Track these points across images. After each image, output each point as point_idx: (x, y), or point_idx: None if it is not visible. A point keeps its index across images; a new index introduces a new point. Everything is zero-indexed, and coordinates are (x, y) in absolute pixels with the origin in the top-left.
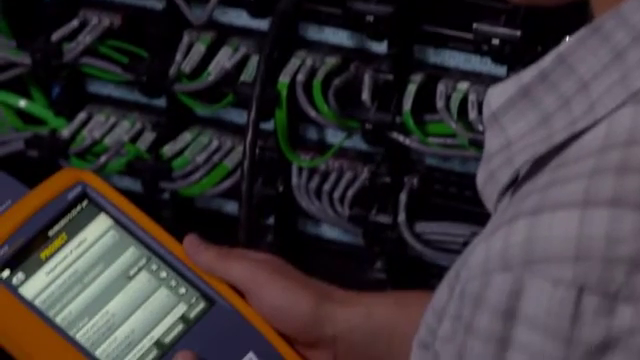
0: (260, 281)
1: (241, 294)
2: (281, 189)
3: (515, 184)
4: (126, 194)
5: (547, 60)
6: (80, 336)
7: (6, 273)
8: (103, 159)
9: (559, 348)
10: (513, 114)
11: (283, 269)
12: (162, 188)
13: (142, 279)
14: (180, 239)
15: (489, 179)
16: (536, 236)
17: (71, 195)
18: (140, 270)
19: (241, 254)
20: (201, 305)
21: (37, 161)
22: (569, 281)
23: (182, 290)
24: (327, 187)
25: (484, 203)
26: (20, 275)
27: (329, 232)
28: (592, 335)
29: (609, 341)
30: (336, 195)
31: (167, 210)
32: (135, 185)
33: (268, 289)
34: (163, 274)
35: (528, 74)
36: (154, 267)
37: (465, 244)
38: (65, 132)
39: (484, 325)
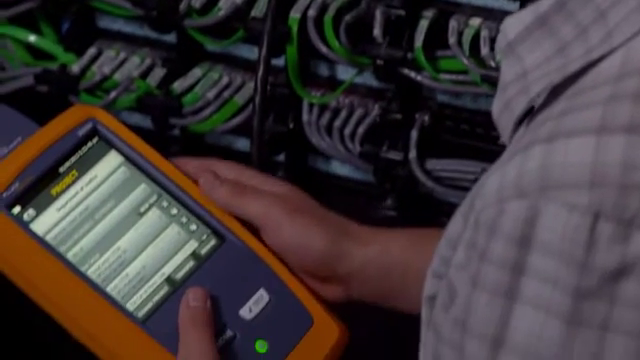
0: (276, 218)
1: (256, 230)
2: (292, 126)
3: (531, 114)
4: (136, 130)
5: None
6: (91, 272)
7: (17, 209)
8: (113, 95)
9: (573, 274)
10: (529, 43)
11: (300, 204)
12: (172, 124)
13: (153, 216)
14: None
15: (505, 109)
16: (551, 163)
17: (82, 132)
18: (151, 207)
19: (257, 189)
20: (212, 242)
21: (47, 96)
22: (584, 207)
23: (193, 227)
24: (338, 123)
25: (498, 134)
26: (31, 211)
27: (340, 169)
28: (607, 261)
29: (624, 267)
30: (347, 132)
31: (177, 146)
32: (145, 121)
33: (284, 227)
34: (174, 211)
35: (545, 3)
36: (165, 204)
37: (475, 181)
38: (75, 67)
39: (499, 252)
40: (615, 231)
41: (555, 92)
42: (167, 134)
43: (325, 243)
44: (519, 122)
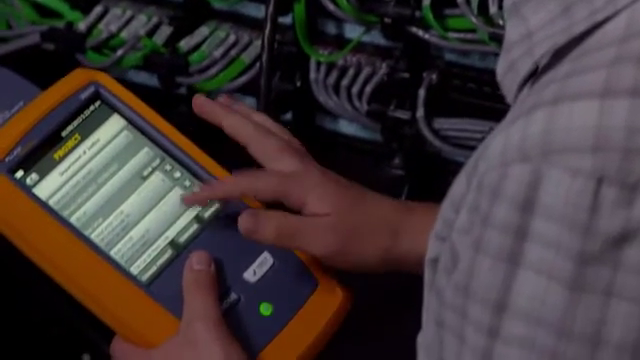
0: (333, 252)
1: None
2: (299, 84)
3: (535, 75)
4: (142, 89)
5: None
6: (95, 236)
7: (20, 174)
8: (119, 53)
9: (577, 239)
10: (534, 4)
11: (347, 226)
12: (179, 83)
13: (156, 179)
14: (196, 135)
15: (509, 69)
16: (555, 127)
17: (84, 95)
18: (154, 170)
19: (304, 221)
20: (215, 205)
21: (53, 55)
22: (588, 172)
23: (196, 190)
24: (345, 82)
25: (504, 94)
26: (34, 175)
27: (347, 128)
28: (610, 226)
29: (627, 232)
30: (354, 90)
31: (183, 105)
32: (151, 80)
33: (341, 260)
34: (177, 174)
35: None
36: (168, 167)
37: (483, 140)
38: (81, 25)
39: (501, 216)
40: (619, 196)
41: (559, 54)
42: (174, 93)
43: (382, 256)
44: (523, 83)
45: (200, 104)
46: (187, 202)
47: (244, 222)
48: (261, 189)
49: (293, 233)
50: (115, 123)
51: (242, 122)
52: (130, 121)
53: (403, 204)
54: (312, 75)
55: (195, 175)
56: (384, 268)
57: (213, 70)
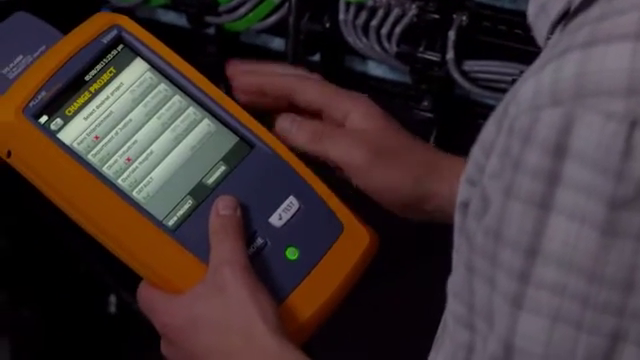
0: (358, 163)
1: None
2: (328, 25)
3: (567, 17)
4: (170, 28)
5: None
6: (120, 180)
7: (44, 118)
8: None
9: (609, 183)
10: None
11: (383, 141)
12: (207, 22)
13: (180, 123)
14: (223, 75)
15: (540, 12)
16: (587, 70)
17: (106, 39)
18: (177, 113)
19: (336, 130)
20: (241, 149)
21: None
22: (621, 115)
23: (221, 134)
24: (375, 23)
25: (534, 37)
26: (58, 120)
27: (376, 69)
28: None
29: None
30: (384, 31)
31: (212, 45)
32: (180, 19)
33: (367, 171)
34: (200, 117)
35: None
36: (191, 110)
37: (513, 83)
38: None
39: (533, 161)
40: None
41: None
42: (202, 33)
43: (411, 185)
44: (554, 26)
45: (235, 68)
46: (233, 79)
47: (281, 123)
48: (316, 89)
49: (325, 137)
50: (138, 67)
51: (279, 75)
52: (153, 64)
53: (442, 151)
54: (341, 16)
55: (219, 119)
56: (412, 201)
57: (242, 10)
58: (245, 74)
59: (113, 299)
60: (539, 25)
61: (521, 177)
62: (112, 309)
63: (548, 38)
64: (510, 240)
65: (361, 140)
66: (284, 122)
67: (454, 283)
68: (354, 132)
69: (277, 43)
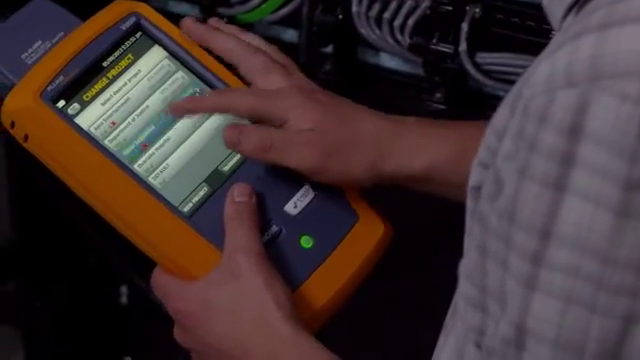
0: (314, 167)
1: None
2: (341, 17)
3: (580, 1)
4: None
5: None
6: (137, 166)
7: (62, 103)
8: None
9: (624, 165)
10: None
11: (330, 140)
12: (220, 14)
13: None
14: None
15: None
16: (603, 51)
17: (125, 26)
18: None
19: (285, 138)
20: None
21: None
22: (636, 97)
23: (238, 122)
24: (388, 15)
25: (548, 26)
26: (75, 105)
27: (388, 61)
28: None
29: None
30: (397, 23)
31: None
32: (193, 10)
33: (324, 172)
34: None
35: None
36: None
37: None
38: None
39: (548, 142)
40: None
41: None
42: None
43: (369, 170)
44: (569, 10)
45: (188, 26)
46: (171, 109)
47: (227, 134)
48: (242, 105)
49: (274, 146)
50: (156, 54)
51: (230, 41)
52: (171, 52)
53: (399, 121)
54: (354, 7)
55: None
56: (373, 182)
57: (255, 1)
58: (194, 28)
59: (125, 290)
60: (553, 8)
61: (536, 158)
62: (124, 300)
63: (562, 22)
64: (524, 222)
65: (310, 143)
66: (231, 133)
67: (466, 266)
68: (300, 135)
69: (290, 35)
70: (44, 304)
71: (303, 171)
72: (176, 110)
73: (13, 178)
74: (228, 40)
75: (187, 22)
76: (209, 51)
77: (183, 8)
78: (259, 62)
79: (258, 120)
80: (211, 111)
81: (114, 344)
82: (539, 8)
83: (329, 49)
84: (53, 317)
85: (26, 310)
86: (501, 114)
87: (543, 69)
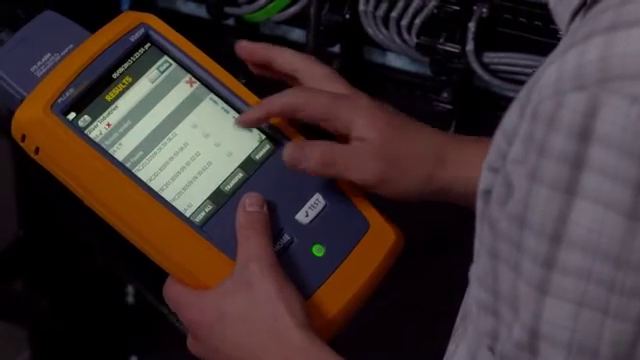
0: (375, 180)
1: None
2: (348, 16)
3: (587, 4)
4: (190, 19)
5: None
6: (148, 177)
7: (72, 115)
8: None
9: (635, 167)
10: None
11: (392, 152)
12: (227, 13)
13: (207, 120)
14: (244, 66)
15: None
16: (612, 53)
17: (134, 38)
18: (205, 111)
19: (347, 151)
20: (267, 147)
21: None
22: None
23: (247, 132)
24: (395, 14)
25: (555, 28)
26: (86, 117)
27: (395, 60)
28: None
29: None
30: (404, 23)
31: (231, 36)
32: (200, 10)
33: (385, 185)
34: (228, 116)
35: None
36: (219, 109)
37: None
38: None
39: (558, 146)
40: None
41: None
42: (222, 24)
43: (426, 183)
44: (576, 12)
45: (246, 46)
46: (240, 122)
47: (289, 152)
48: (314, 104)
49: (337, 160)
50: (165, 65)
51: (291, 54)
52: (180, 63)
53: (451, 135)
54: (361, 7)
55: None
56: (427, 197)
57: (262, 1)
58: (255, 46)
59: (131, 289)
60: (560, 11)
61: (546, 162)
62: (130, 299)
63: (569, 24)
64: (535, 225)
65: (372, 154)
66: (292, 152)
67: (477, 270)
68: (362, 146)
69: (297, 34)
70: (50, 303)
71: (367, 183)
72: (247, 120)
73: (20, 178)
74: (291, 54)
75: (244, 43)
76: (216, 61)
77: (190, 8)
78: (322, 70)
79: (321, 124)
80: (281, 111)
81: (120, 343)
82: (546, 8)
83: (336, 49)
84: (59, 316)
85: (32, 309)
86: (511, 117)
87: (551, 72)
